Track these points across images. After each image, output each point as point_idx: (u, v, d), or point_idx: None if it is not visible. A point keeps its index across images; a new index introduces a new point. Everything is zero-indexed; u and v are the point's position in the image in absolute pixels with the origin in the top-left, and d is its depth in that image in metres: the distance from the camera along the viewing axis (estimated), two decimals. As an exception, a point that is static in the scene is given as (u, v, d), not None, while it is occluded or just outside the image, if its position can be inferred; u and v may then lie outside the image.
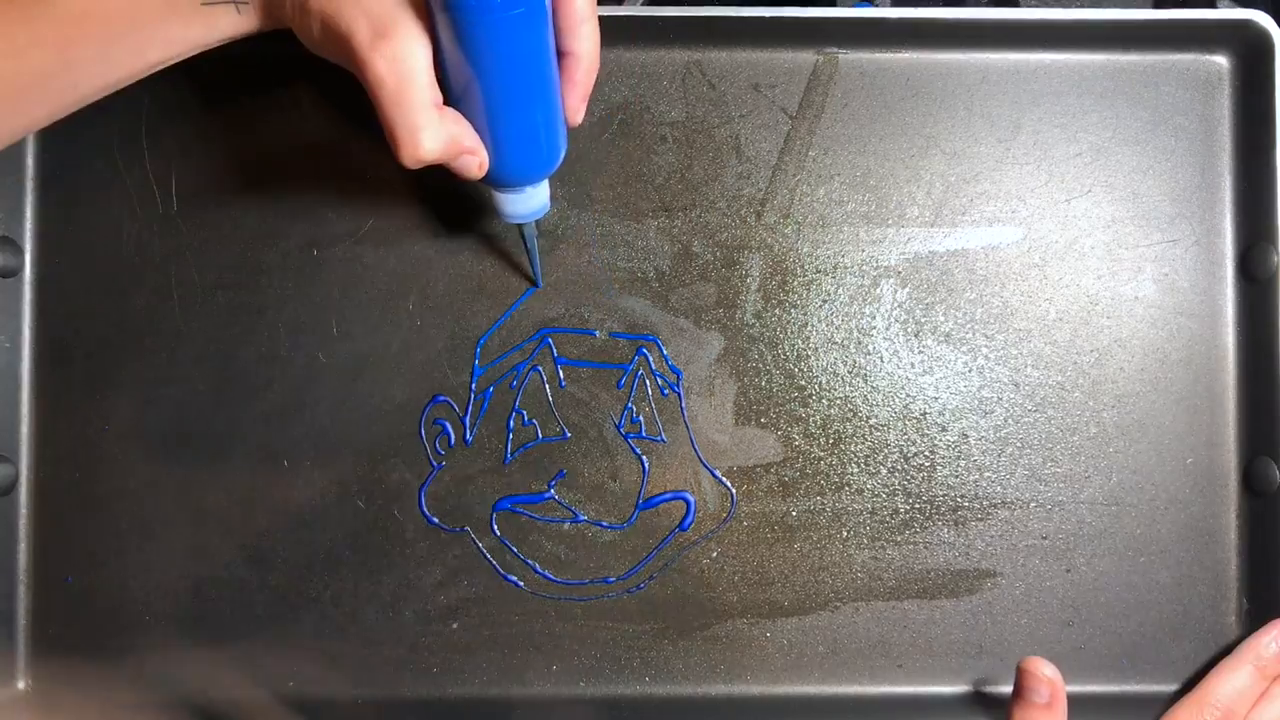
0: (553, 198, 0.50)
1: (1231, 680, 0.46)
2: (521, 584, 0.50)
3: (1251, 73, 0.49)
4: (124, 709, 0.49)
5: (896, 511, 0.50)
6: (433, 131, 0.38)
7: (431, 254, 0.50)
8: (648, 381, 0.50)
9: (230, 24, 0.41)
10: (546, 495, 0.50)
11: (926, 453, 0.50)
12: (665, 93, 0.50)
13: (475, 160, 0.40)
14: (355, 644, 0.49)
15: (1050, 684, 0.44)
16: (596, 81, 0.49)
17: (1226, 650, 0.49)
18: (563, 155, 0.43)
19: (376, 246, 0.50)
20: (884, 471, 0.50)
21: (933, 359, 0.50)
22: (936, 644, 0.50)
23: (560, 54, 0.41)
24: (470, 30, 0.36)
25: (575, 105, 0.42)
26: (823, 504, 0.50)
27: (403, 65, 0.37)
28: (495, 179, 0.42)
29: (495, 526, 0.50)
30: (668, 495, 0.50)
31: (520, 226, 0.45)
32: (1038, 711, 0.44)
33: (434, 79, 0.39)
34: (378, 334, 0.49)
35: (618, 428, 0.50)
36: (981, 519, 0.50)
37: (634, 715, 0.49)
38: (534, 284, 0.49)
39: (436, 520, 0.49)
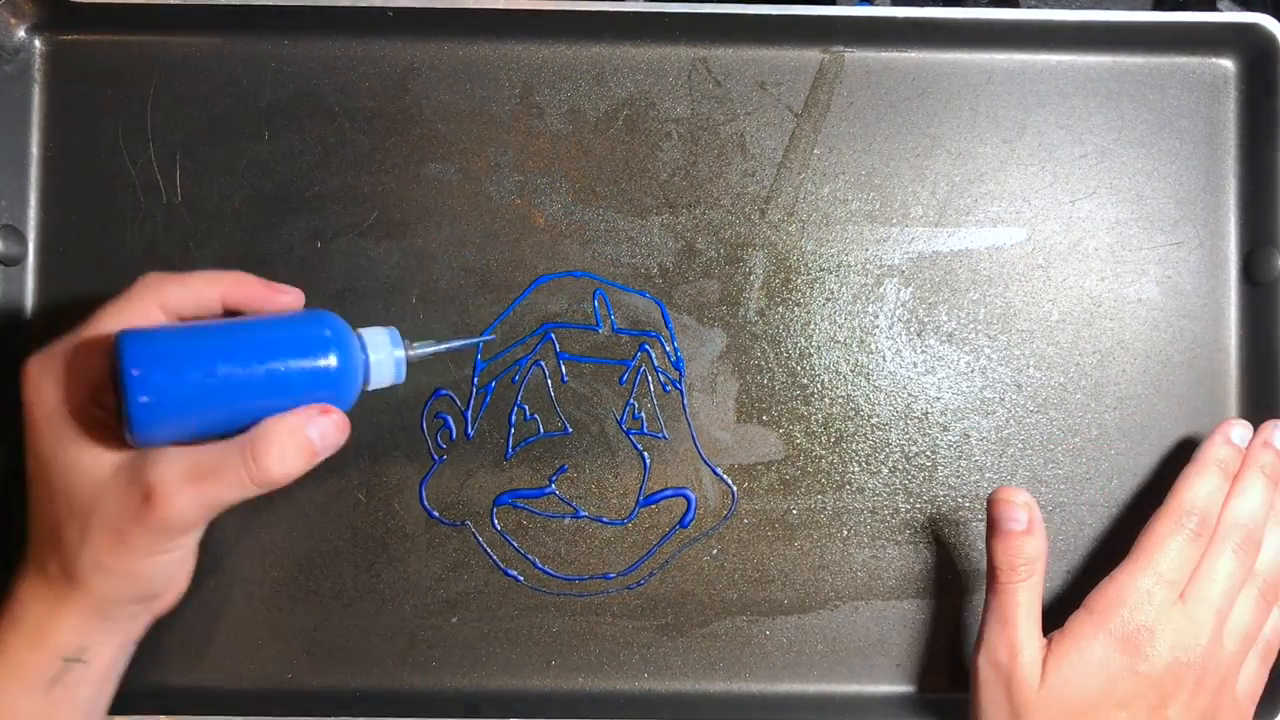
0: (557, 193, 0.50)
1: (1200, 485, 0.45)
2: (521, 579, 0.50)
3: (1257, 76, 0.50)
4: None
5: (897, 511, 0.50)
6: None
7: (435, 248, 0.50)
8: (650, 378, 0.50)
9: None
10: (547, 490, 0.50)
11: (928, 452, 0.50)
12: (671, 89, 0.50)
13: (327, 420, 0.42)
14: (354, 637, 0.49)
15: (1027, 508, 0.44)
16: (602, 77, 0.50)
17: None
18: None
19: (380, 239, 0.50)
20: (885, 471, 0.50)
21: (935, 359, 0.50)
22: (936, 644, 0.50)
23: None
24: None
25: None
26: (823, 502, 0.50)
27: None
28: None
29: (495, 521, 0.50)
30: (668, 492, 0.50)
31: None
32: (1017, 539, 0.44)
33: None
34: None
35: (619, 424, 0.50)
36: (982, 519, 0.49)
37: (632, 711, 0.49)
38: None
39: (437, 514, 0.49)
